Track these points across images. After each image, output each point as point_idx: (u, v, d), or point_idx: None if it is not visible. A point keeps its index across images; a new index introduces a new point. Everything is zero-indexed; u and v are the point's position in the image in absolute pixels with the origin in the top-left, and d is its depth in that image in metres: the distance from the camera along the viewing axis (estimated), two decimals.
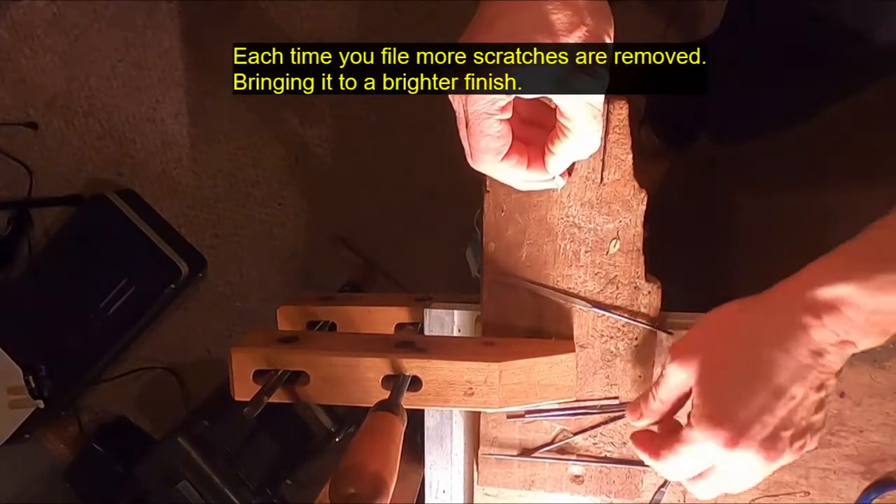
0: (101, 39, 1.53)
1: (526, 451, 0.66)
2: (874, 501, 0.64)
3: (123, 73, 1.55)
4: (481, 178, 0.60)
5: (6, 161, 1.59)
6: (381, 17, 1.45)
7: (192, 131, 1.57)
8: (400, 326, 0.72)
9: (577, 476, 0.66)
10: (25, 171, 1.60)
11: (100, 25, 1.53)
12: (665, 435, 0.54)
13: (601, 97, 0.46)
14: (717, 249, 1.33)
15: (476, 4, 0.47)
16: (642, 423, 0.56)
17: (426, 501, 0.73)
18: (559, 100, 0.46)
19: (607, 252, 0.60)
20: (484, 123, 0.47)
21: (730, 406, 0.48)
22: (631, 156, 0.57)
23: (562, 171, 0.53)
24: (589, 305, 0.61)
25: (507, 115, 0.47)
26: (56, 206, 1.59)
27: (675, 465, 0.52)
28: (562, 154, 0.50)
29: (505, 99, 0.46)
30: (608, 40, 0.45)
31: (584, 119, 0.46)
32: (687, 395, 0.53)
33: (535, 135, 0.51)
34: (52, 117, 1.59)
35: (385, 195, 1.54)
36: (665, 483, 0.67)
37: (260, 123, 1.54)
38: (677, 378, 0.52)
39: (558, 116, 0.47)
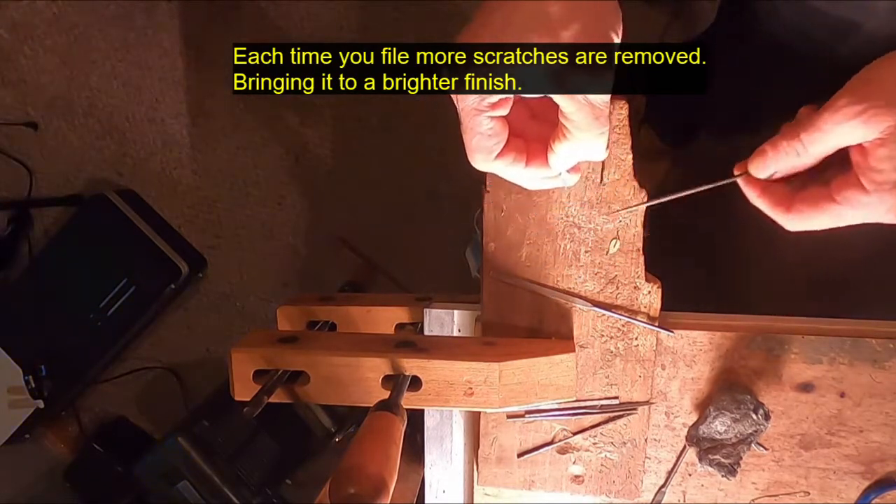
0: (101, 39, 1.53)
1: (526, 451, 0.66)
2: (874, 501, 0.64)
3: (123, 73, 1.55)
4: (481, 178, 0.60)
5: (6, 161, 1.59)
6: (381, 17, 1.45)
7: (192, 131, 1.57)
8: (400, 326, 0.72)
9: (577, 476, 0.66)
10: (25, 171, 1.60)
11: (100, 25, 1.53)
12: (805, 189, 0.49)
13: (604, 97, 0.44)
14: (718, 248, 1.33)
15: (474, 5, 0.46)
16: (764, 176, 0.50)
17: (426, 501, 0.73)
18: (559, 99, 0.45)
19: (607, 252, 0.60)
20: (473, 121, 0.46)
21: None
22: (631, 156, 0.57)
23: (567, 168, 0.51)
24: (589, 305, 0.61)
25: (501, 112, 0.46)
26: (56, 206, 1.60)
27: (813, 224, 0.49)
28: (563, 154, 0.48)
29: (496, 96, 0.45)
30: (615, 38, 0.44)
31: (584, 120, 0.45)
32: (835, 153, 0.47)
33: (543, 131, 0.50)
34: (52, 117, 1.59)
35: (385, 195, 1.54)
36: (665, 483, 0.67)
37: (260, 123, 1.54)
38: (849, 135, 0.45)
39: (560, 116, 0.46)
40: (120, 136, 1.59)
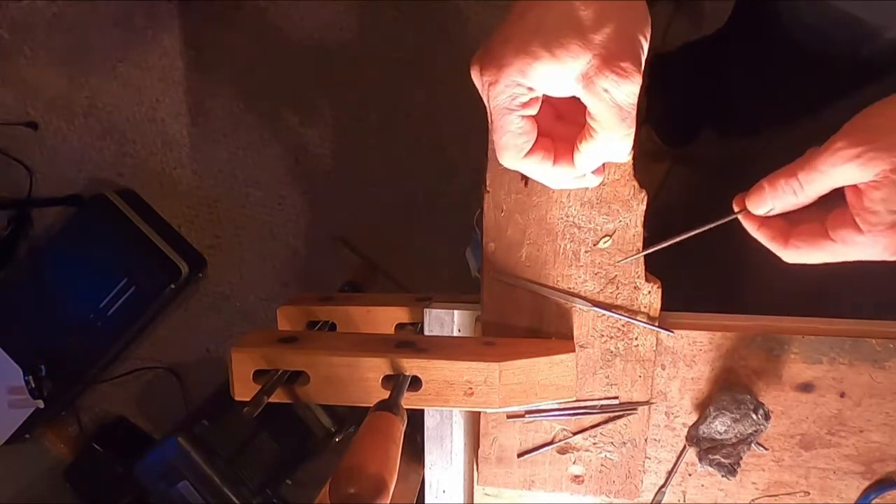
0: (101, 39, 1.53)
1: (526, 451, 0.66)
2: (874, 501, 0.64)
3: (123, 73, 1.55)
4: (481, 178, 0.60)
5: (6, 161, 1.60)
6: (381, 17, 1.45)
7: (192, 131, 1.57)
8: (400, 326, 0.72)
9: (577, 476, 0.66)
10: (25, 171, 1.60)
11: (100, 25, 1.53)
12: (802, 225, 0.50)
13: (632, 99, 0.44)
14: (719, 248, 1.33)
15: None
16: (762, 213, 0.52)
17: (426, 501, 0.73)
18: (587, 100, 0.45)
19: (607, 251, 0.60)
20: (504, 119, 0.47)
21: None
22: (631, 156, 0.57)
23: (592, 169, 0.51)
24: (589, 305, 0.61)
25: (531, 111, 0.47)
26: (56, 206, 1.60)
27: (810, 259, 0.51)
28: (589, 154, 0.48)
29: (526, 95, 0.45)
30: (643, 41, 0.44)
31: (611, 121, 0.45)
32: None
33: (569, 132, 0.50)
34: (52, 117, 1.59)
35: (385, 195, 1.54)
36: (665, 483, 0.67)
37: (260, 123, 1.54)
38: (846, 177, 0.47)
39: (587, 117, 0.47)
40: (120, 136, 1.59)
